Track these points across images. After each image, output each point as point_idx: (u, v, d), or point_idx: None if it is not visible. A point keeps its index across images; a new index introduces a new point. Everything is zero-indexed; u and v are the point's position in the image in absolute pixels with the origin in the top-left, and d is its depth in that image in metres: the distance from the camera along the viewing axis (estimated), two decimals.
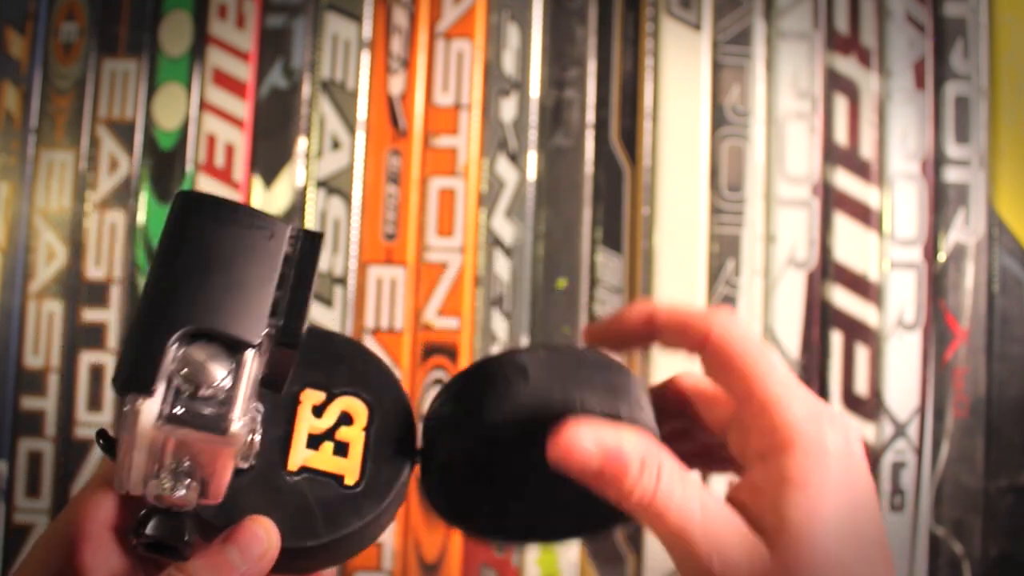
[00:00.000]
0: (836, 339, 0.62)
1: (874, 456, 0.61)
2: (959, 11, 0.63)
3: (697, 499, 0.32)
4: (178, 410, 0.30)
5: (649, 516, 0.33)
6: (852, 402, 0.61)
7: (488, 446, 0.37)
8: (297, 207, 0.63)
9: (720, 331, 0.35)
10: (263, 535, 0.34)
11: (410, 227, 0.63)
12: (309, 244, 0.34)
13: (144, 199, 0.63)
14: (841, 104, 0.63)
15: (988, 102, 0.63)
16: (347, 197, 0.63)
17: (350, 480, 0.36)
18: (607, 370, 0.37)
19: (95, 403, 0.62)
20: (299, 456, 0.36)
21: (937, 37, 0.63)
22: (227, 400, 0.30)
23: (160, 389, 0.30)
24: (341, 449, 0.36)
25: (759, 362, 0.34)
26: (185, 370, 0.30)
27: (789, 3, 0.63)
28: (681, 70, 0.63)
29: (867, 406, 0.61)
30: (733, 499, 0.33)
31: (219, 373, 0.30)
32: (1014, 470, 0.61)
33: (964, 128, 0.63)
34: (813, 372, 0.61)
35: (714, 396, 0.37)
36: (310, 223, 0.63)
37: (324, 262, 0.62)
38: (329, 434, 0.36)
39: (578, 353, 0.38)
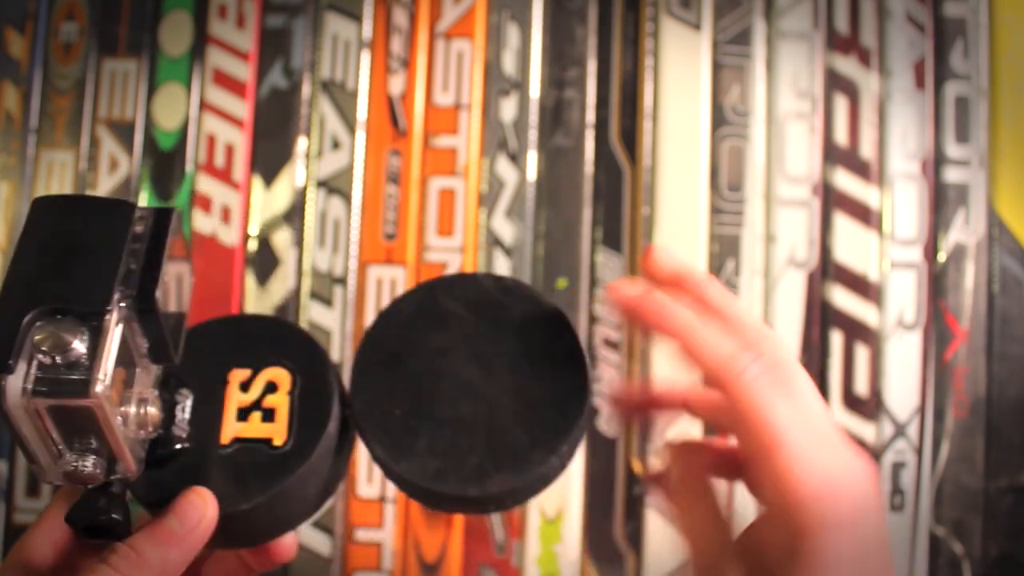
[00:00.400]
0: (836, 339, 0.62)
1: (874, 456, 0.61)
2: (959, 11, 0.63)
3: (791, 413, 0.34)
4: (40, 380, 0.32)
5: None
6: (852, 402, 0.61)
7: (420, 384, 0.38)
8: (297, 207, 0.63)
9: (743, 378, 0.34)
10: (198, 502, 0.36)
11: (410, 227, 0.63)
12: (160, 220, 0.36)
13: (144, 199, 0.63)
14: (841, 104, 0.63)
15: (988, 102, 0.63)
16: (347, 197, 0.63)
17: (278, 441, 0.37)
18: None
19: None
20: (230, 429, 0.38)
21: (937, 37, 0.63)
22: (88, 365, 0.32)
23: (21, 366, 0.32)
24: (269, 416, 0.38)
25: (770, 416, 0.33)
26: (42, 343, 0.32)
27: (789, 3, 0.64)
28: (681, 70, 0.63)
29: (867, 406, 0.61)
30: (752, 531, 0.35)
31: (75, 342, 0.32)
32: (1014, 470, 0.61)
33: (964, 128, 0.63)
34: (813, 372, 0.61)
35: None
36: (310, 223, 0.63)
37: (324, 262, 0.62)
38: (256, 404, 0.38)
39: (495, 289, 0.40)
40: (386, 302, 0.62)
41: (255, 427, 0.38)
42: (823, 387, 0.61)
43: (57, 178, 0.64)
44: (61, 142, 0.64)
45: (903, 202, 0.62)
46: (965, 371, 0.61)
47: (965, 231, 0.62)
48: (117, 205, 0.35)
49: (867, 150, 0.63)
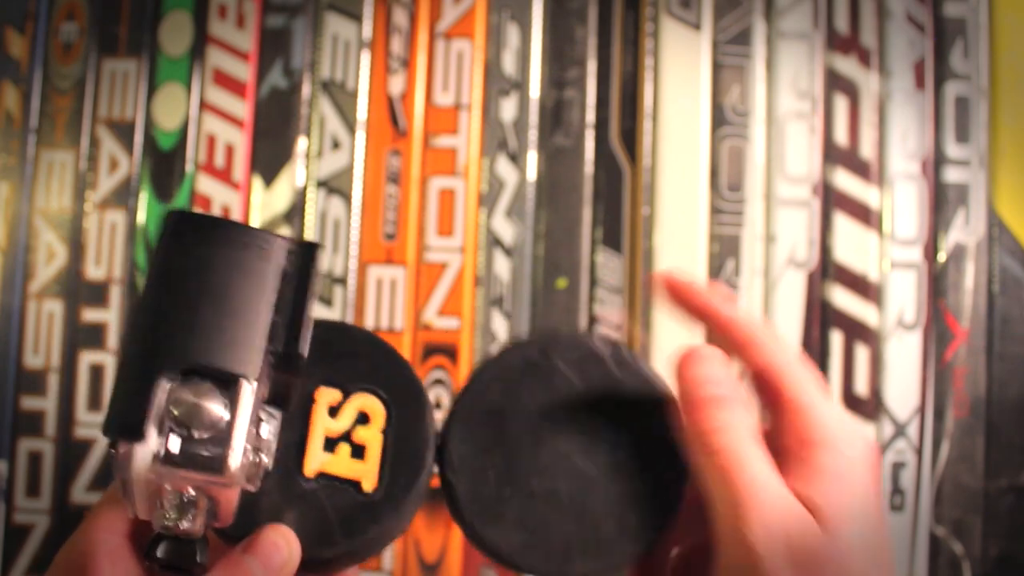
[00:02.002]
0: (836, 339, 0.62)
1: None
2: (959, 11, 0.63)
3: (768, 467, 0.33)
4: (173, 452, 0.29)
5: (718, 465, 0.33)
6: (852, 402, 0.61)
7: (519, 448, 0.36)
8: (297, 207, 0.63)
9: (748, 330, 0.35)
10: (284, 545, 0.33)
11: (410, 227, 0.63)
12: (306, 258, 0.32)
13: (144, 199, 0.63)
14: (841, 104, 0.63)
15: (988, 102, 0.63)
16: (347, 197, 0.63)
17: (368, 486, 0.35)
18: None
19: (95, 403, 0.62)
20: (315, 460, 0.35)
21: (937, 37, 0.63)
22: (223, 438, 0.29)
23: (152, 432, 0.29)
24: (358, 452, 0.35)
25: (791, 366, 0.35)
26: (177, 411, 0.29)
27: (789, 3, 0.64)
28: (681, 70, 0.63)
29: (867, 406, 0.61)
30: None
31: (214, 411, 0.29)
32: (1014, 470, 0.61)
33: (964, 128, 0.63)
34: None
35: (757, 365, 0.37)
36: (310, 223, 0.63)
37: (324, 262, 0.62)
38: (346, 436, 0.35)
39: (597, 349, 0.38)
40: (386, 302, 0.62)
41: (343, 463, 0.35)
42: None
43: (57, 178, 0.64)
44: (61, 142, 0.64)
45: (903, 202, 0.62)
46: (965, 371, 0.61)
47: (965, 231, 0.62)
48: (267, 240, 0.31)
49: (867, 150, 0.63)
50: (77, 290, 0.63)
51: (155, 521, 0.31)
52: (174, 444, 0.29)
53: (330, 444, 0.35)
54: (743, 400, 0.34)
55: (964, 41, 0.63)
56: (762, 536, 0.32)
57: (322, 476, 0.35)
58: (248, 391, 0.30)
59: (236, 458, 0.29)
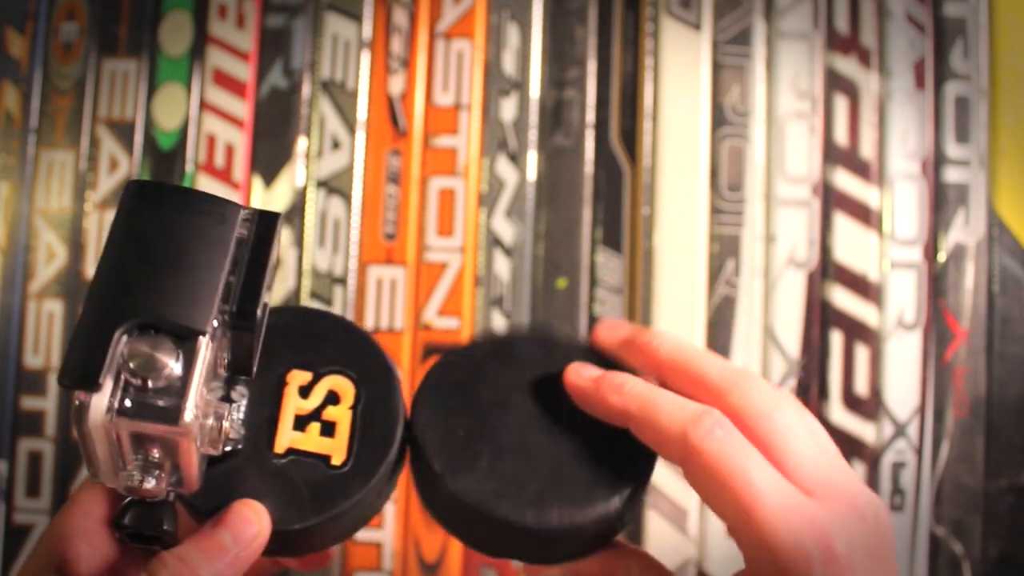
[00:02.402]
0: (836, 339, 0.62)
1: (874, 456, 0.61)
2: (959, 11, 0.63)
3: (766, 462, 0.33)
4: (128, 402, 0.30)
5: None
6: (852, 402, 0.61)
7: (487, 411, 0.36)
8: (297, 207, 0.63)
9: (699, 444, 0.33)
10: (254, 518, 0.34)
11: (410, 227, 0.63)
12: (265, 225, 0.33)
13: None
14: (841, 104, 0.63)
15: (988, 102, 0.63)
16: (347, 197, 0.63)
17: (337, 460, 0.35)
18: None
19: None
20: (286, 438, 0.36)
21: (937, 37, 0.63)
22: (179, 389, 0.30)
23: (108, 383, 0.30)
24: (328, 429, 0.36)
25: (740, 475, 0.32)
26: (132, 362, 0.30)
27: (789, 3, 0.64)
28: (681, 70, 0.63)
29: (867, 406, 0.61)
30: None
31: (168, 363, 0.30)
32: (1014, 470, 0.61)
33: (964, 128, 0.63)
34: (813, 372, 0.61)
35: None
36: (310, 223, 0.63)
37: (324, 262, 0.62)
38: (316, 414, 0.36)
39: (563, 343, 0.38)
40: (386, 302, 0.62)
41: (313, 440, 0.35)
42: (823, 387, 0.61)
43: (57, 178, 0.64)
44: (61, 142, 0.64)
45: (903, 202, 0.62)
46: (965, 371, 0.61)
47: (965, 231, 0.62)
48: (224, 205, 0.33)
49: (867, 150, 0.63)
50: (77, 290, 0.63)
51: (120, 483, 0.31)
52: (129, 395, 0.30)
53: (300, 423, 0.36)
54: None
55: (964, 41, 0.63)
56: (783, 535, 0.31)
57: (292, 452, 0.35)
58: (203, 344, 0.31)
59: (190, 409, 0.30)
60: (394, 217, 0.63)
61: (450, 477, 0.35)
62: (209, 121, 0.64)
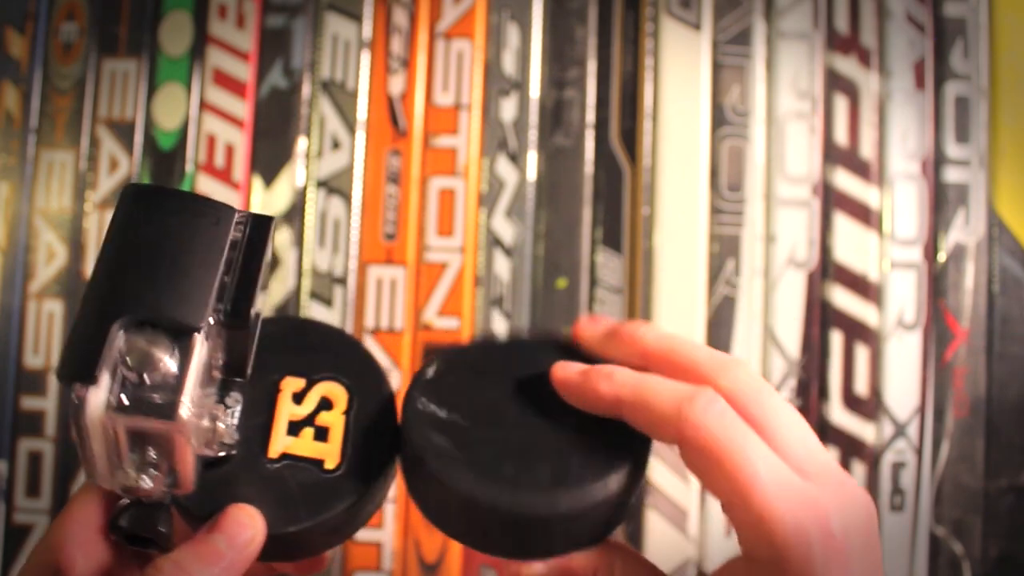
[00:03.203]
0: (836, 339, 0.62)
1: (874, 456, 0.61)
2: (959, 11, 0.63)
3: (761, 441, 0.33)
4: (124, 398, 0.30)
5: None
6: (852, 402, 0.61)
7: (483, 407, 0.36)
8: (297, 207, 0.63)
9: (696, 421, 0.33)
10: (248, 522, 0.34)
11: (410, 227, 0.63)
12: (258, 228, 0.34)
13: None
14: (841, 104, 0.63)
15: (988, 102, 0.63)
16: (347, 197, 0.63)
17: (330, 464, 0.36)
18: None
19: None
20: (279, 443, 0.36)
21: (937, 37, 0.63)
22: (175, 386, 0.30)
23: (105, 378, 0.30)
24: (321, 434, 0.36)
25: (738, 453, 0.32)
26: (129, 357, 0.30)
27: (789, 3, 0.64)
28: (681, 70, 0.63)
29: (867, 406, 0.61)
30: (733, 569, 0.33)
31: (164, 359, 0.30)
32: (1014, 470, 0.61)
33: (964, 128, 0.63)
34: (813, 372, 0.61)
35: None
36: (310, 223, 0.63)
37: (324, 262, 0.62)
38: (309, 420, 0.36)
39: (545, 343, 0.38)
40: (386, 302, 0.62)
41: (306, 445, 0.36)
42: (823, 387, 0.61)
43: (57, 178, 0.64)
44: (61, 142, 0.64)
45: (903, 202, 0.62)
46: (965, 371, 0.61)
47: (965, 231, 0.62)
48: (218, 209, 0.33)
49: (867, 150, 0.63)
50: (77, 290, 0.63)
51: (116, 482, 0.32)
52: (126, 390, 0.30)
53: (294, 428, 0.36)
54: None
55: (964, 41, 0.63)
56: (782, 514, 0.31)
57: (286, 456, 0.36)
58: (198, 341, 0.31)
59: (185, 405, 0.30)
60: (394, 217, 0.63)
61: (447, 476, 0.35)
62: (209, 121, 0.64)
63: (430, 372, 0.38)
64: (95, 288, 0.32)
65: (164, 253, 0.32)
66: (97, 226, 0.63)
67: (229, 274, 0.33)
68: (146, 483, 0.32)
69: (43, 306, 0.63)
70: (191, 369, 0.31)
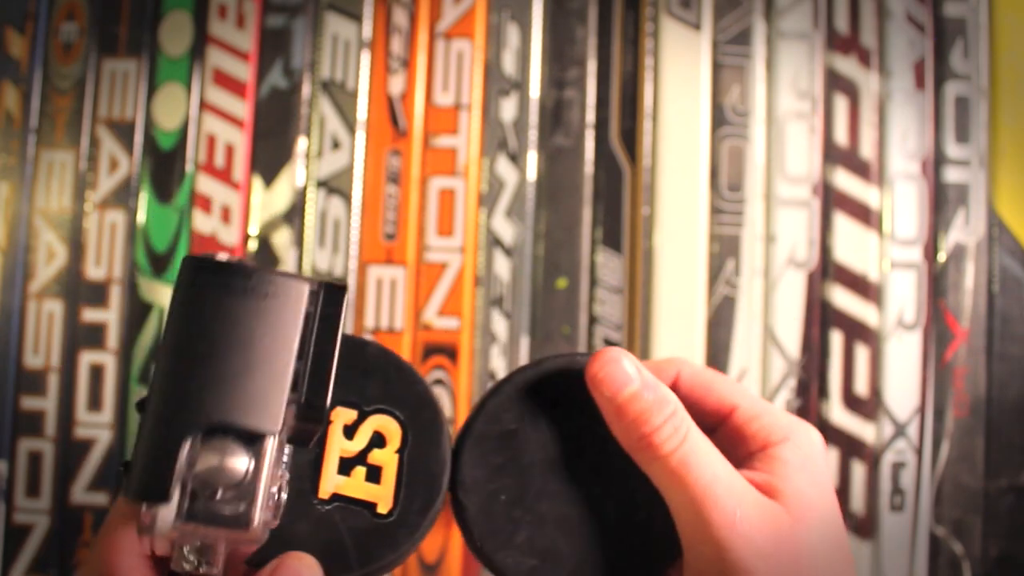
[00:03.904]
0: (836, 339, 0.62)
1: (874, 456, 0.61)
2: (959, 11, 0.63)
3: (720, 460, 0.33)
4: (196, 509, 0.29)
5: (670, 468, 0.33)
6: (852, 402, 0.61)
7: (532, 472, 0.36)
8: (297, 207, 0.63)
9: (689, 368, 0.37)
10: (307, 573, 0.33)
11: (410, 227, 0.63)
12: (332, 300, 0.32)
13: (144, 199, 0.63)
14: (841, 104, 0.63)
15: (988, 102, 0.63)
16: (347, 197, 0.63)
17: (383, 508, 0.35)
18: None
19: (95, 403, 0.62)
20: (330, 483, 0.35)
21: (937, 37, 0.63)
22: (247, 493, 0.29)
23: (176, 493, 0.29)
24: (373, 474, 0.35)
25: (734, 385, 0.37)
26: (202, 472, 0.29)
27: (789, 3, 0.64)
28: (681, 70, 0.63)
29: (867, 406, 0.61)
30: None
31: (237, 469, 0.29)
32: (1014, 470, 0.61)
33: (964, 128, 0.63)
34: (813, 372, 0.61)
35: (704, 397, 0.37)
36: (310, 223, 0.63)
37: (324, 262, 0.62)
38: (361, 457, 0.35)
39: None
40: (386, 302, 0.62)
41: (359, 486, 0.35)
42: (823, 387, 0.61)
43: (57, 178, 0.64)
44: (61, 142, 0.64)
45: (903, 202, 0.62)
46: (965, 371, 0.61)
47: (965, 231, 0.62)
48: (288, 286, 0.31)
49: (867, 150, 0.63)
50: (77, 290, 0.63)
51: (175, 563, 0.30)
52: (197, 502, 0.29)
53: (345, 466, 0.35)
54: (672, 397, 0.34)
55: (964, 41, 0.63)
56: (727, 529, 0.32)
57: (337, 498, 0.35)
58: (271, 447, 0.30)
59: (258, 515, 0.29)
60: (394, 217, 0.63)
61: (490, 549, 0.35)
62: (209, 121, 0.64)
63: (487, 414, 0.36)
64: (160, 392, 0.30)
65: (231, 345, 0.30)
66: (97, 226, 0.63)
67: (302, 358, 0.31)
68: (206, 569, 0.30)
69: (43, 306, 0.63)
70: (264, 474, 0.29)
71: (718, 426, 0.37)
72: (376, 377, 0.36)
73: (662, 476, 0.33)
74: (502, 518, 0.35)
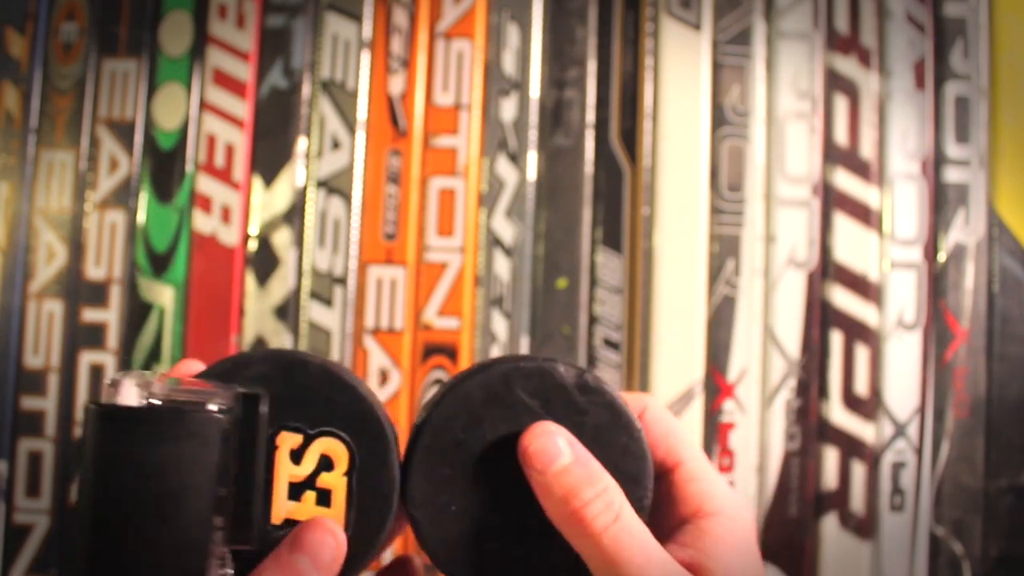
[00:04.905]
0: (836, 339, 0.62)
1: (874, 456, 0.61)
2: (959, 11, 0.63)
3: (651, 542, 0.33)
4: None
5: (602, 546, 0.32)
6: (852, 402, 0.61)
7: (483, 483, 0.36)
8: (297, 207, 0.63)
9: (654, 410, 0.37)
10: (331, 539, 0.33)
11: (410, 227, 0.63)
12: (249, 412, 0.32)
13: (144, 199, 0.63)
14: (841, 104, 0.63)
15: (988, 102, 0.63)
16: (347, 197, 0.63)
17: None
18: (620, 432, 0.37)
19: None
20: (282, 508, 0.35)
21: (937, 37, 0.63)
22: None
23: None
24: (324, 498, 0.35)
25: (687, 441, 0.37)
26: None
27: (789, 3, 0.64)
28: (681, 70, 0.63)
29: (867, 406, 0.61)
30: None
31: None
32: (1014, 470, 0.61)
33: (964, 128, 0.63)
34: (813, 372, 0.61)
35: (655, 443, 0.37)
36: (310, 223, 0.63)
37: (324, 262, 0.62)
38: (310, 482, 0.35)
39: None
40: (386, 302, 0.62)
41: (310, 510, 0.35)
42: (823, 387, 0.61)
43: (57, 178, 0.64)
44: (61, 142, 0.64)
45: (903, 202, 0.62)
46: (965, 371, 0.61)
47: (965, 231, 0.62)
48: (200, 423, 0.31)
49: (867, 150, 0.63)
50: (77, 290, 0.63)
51: None
52: None
53: (295, 491, 0.35)
54: (604, 474, 0.34)
55: (964, 41, 0.63)
56: None
57: (289, 523, 0.35)
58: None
59: None
60: (394, 217, 0.63)
61: (446, 563, 0.36)
62: (209, 121, 0.64)
63: (436, 422, 0.36)
64: (84, 554, 0.30)
65: (148, 501, 0.30)
66: (97, 226, 0.63)
67: (224, 483, 0.31)
68: None
69: (43, 306, 0.63)
70: None
71: (660, 476, 0.37)
72: (319, 397, 0.36)
73: (593, 554, 0.32)
74: (455, 531, 0.36)
